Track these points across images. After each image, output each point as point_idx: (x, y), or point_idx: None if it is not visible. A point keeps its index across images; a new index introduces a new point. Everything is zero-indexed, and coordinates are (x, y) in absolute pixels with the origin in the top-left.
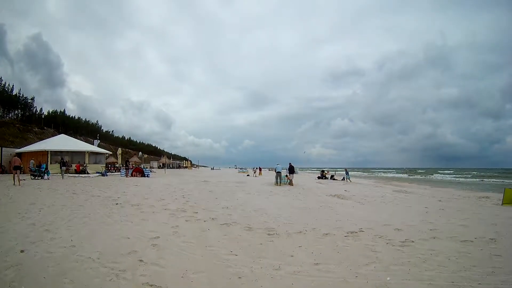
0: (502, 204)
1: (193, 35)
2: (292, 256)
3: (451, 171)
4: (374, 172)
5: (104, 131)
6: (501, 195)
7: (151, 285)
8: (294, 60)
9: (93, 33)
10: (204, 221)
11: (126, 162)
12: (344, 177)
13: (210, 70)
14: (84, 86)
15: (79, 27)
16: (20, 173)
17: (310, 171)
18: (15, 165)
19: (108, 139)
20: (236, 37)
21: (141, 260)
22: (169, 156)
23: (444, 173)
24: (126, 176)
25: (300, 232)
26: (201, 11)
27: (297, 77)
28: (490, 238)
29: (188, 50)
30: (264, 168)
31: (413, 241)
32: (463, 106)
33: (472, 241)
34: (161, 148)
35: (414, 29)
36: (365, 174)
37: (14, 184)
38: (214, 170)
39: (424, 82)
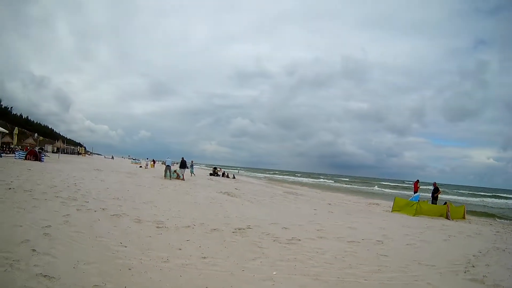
0: (391, 211)
1: (107, 10)
2: (180, 249)
3: (347, 178)
4: (268, 172)
5: (3, 106)
6: (391, 203)
7: (45, 276)
8: (202, 53)
9: None
10: (95, 211)
11: (41, 148)
12: (233, 175)
13: (116, 52)
14: None
15: None
16: None
17: (204, 167)
18: None
19: (5, 116)
20: (148, 20)
21: (34, 250)
22: (64, 140)
23: (339, 180)
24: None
25: (189, 226)
26: None
27: (203, 72)
28: (377, 240)
29: (98, 27)
30: (158, 161)
31: (299, 240)
32: (371, 119)
33: (359, 242)
34: (57, 131)
35: (334, 41)
36: (259, 174)
37: None
38: (107, 159)
39: (335, 91)
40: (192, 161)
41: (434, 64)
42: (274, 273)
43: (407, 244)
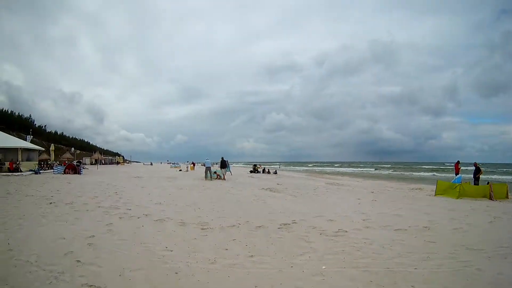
0: (435, 195)
1: (127, 23)
2: (226, 249)
3: (388, 165)
4: (307, 165)
5: (36, 126)
6: (433, 187)
7: (90, 286)
8: (230, 53)
9: (27, 16)
10: (138, 217)
11: (79, 161)
12: (275, 170)
13: (142, 61)
14: (15, 76)
15: (9, 8)
16: None
17: (242, 165)
18: None
19: (40, 134)
20: (172, 28)
21: (78, 261)
22: (102, 151)
23: (380, 167)
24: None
25: (233, 225)
26: None
27: (232, 71)
28: (424, 226)
29: (121, 39)
30: (197, 163)
31: (346, 231)
32: (404, 102)
33: (406, 230)
34: (94, 144)
35: (359, 26)
36: (298, 168)
37: None
38: (146, 165)
39: (366, 77)
40: (227, 161)
41: (461, 40)
42: (324, 267)
43: (454, 229)
